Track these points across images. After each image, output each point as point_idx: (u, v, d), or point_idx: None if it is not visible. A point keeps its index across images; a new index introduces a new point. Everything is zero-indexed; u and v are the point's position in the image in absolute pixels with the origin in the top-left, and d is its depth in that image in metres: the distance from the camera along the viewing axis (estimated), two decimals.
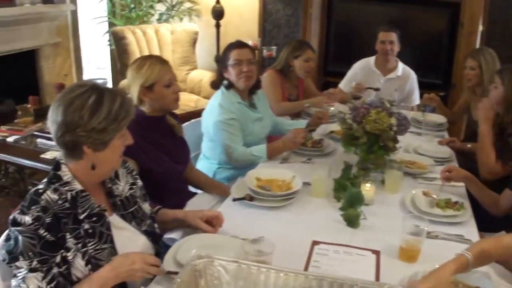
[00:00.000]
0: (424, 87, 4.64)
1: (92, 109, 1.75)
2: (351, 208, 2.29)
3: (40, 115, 4.67)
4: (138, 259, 1.77)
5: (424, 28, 5.74)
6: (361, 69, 4.57)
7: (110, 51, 6.86)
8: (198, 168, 3.23)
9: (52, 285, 1.68)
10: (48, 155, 3.92)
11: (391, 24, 4.47)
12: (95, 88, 1.81)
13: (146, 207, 2.13)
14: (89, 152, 1.79)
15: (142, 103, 2.62)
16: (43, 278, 1.67)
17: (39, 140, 4.22)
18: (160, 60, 2.64)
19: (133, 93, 2.58)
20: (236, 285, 1.65)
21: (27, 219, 1.68)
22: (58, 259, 1.71)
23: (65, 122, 1.75)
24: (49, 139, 4.13)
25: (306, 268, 1.94)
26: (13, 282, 1.70)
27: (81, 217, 1.80)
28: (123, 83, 5.29)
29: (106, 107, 1.78)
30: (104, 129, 1.77)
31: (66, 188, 1.80)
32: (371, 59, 4.55)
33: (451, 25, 5.60)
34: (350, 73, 4.65)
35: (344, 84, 4.62)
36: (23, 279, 1.66)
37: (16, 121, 4.54)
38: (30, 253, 1.66)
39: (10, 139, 4.25)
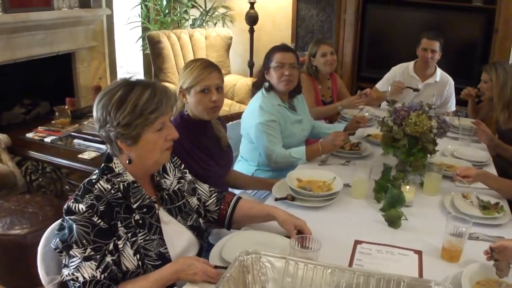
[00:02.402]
0: (457, 92, 4.59)
1: (117, 104, 1.77)
2: (392, 208, 2.31)
3: (76, 116, 4.77)
4: (199, 270, 1.78)
5: (458, 34, 5.70)
6: (400, 72, 4.53)
7: (144, 56, 6.93)
8: (236, 169, 3.25)
9: (106, 274, 1.72)
10: (85, 155, 4.00)
11: (436, 32, 4.40)
12: (126, 83, 1.83)
13: (194, 201, 2.16)
14: (124, 146, 1.82)
15: (185, 105, 2.62)
16: (97, 267, 1.70)
17: (76, 140, 4.30)
18: (204, 65, 2.57)
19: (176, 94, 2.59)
20: (283, 281, 1.67)
21: (81, 206, 1.73)
22: (110, 246, 1.76)
23: (97, 118, 1.81)
24: (86, 139, 4.23)
25: (349, 267, 1.95)
26: (65, 271, 1.73)
27: (134, 206, 1.84)
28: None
29: (132, 101, 1.78)
30: (128, 124, 1.78)
31: (118, 179, 1.85)
32: (410, 64, 4.51)
33: (485, 31, 5.56)
34: (388, 75, 4.60)
35: (382, 85, 4.58)
36: (77, 268, 1.69)
37: (53, 122, 4.62)
38: (84, 241, 1.70)
39: (48, 140, 4.34)
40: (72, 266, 1.71)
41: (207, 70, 2.55)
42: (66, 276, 1.72)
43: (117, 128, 1.78)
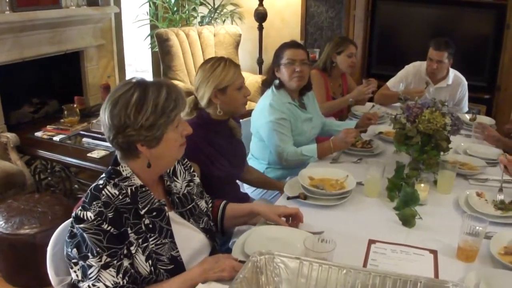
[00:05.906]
0: (468, 89, 4.52)
1: (137, 106, 1.72)
2: (406, 207, 2.28)
3: (85, 115, 4.77)
4: (227, 266, 1.77)
5: (469, 30, 5.65)
6: (413, 72, 4.42)
7: (152, 54, 6.92)
8: None
9: (127, 278, 1.69)
10: (94, 154, 4.00)
11: (444, 41, 4.19)
12: (139, 84, 1.77)
13: (203, 204, 2.13)
14: (144, 149, 1.77)
15: (210, 105, 2.59)
16: (117, 273, 1.67)
17: (85, 139, 4.30)
18: (233, 63, 2.61)
19: (204, 95, 2.55)
20: (297, 281, 1.64)
21: (90, 214, 1.67)
22: (125, 250, 1.72)
23: (114, 124, 1.73)
24: (95, 138, 4.23)
25: (364, 267, 1.92)
26: (84, 284, 1.68)
27: (142, 212, 1.80)
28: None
29: (151, 101, 1.73)
30: (152, 125, 1.74)
31: (125, 183, 1.80)
32: (423, 65, 4.37)
33: (496, 27, 5.50)
34: (401, 74, 4.50)
35: (393, 83, 4.48)
36: (97, 278, 1.66)
37: (62, 120, 4.63)
38: (98, 249, 1.66)
39: (56, 138, 4.34)
40: (91, 277, 1.67)
41: (238, 67, 2.62)
42: None
43: (140, 131, 1.73)
